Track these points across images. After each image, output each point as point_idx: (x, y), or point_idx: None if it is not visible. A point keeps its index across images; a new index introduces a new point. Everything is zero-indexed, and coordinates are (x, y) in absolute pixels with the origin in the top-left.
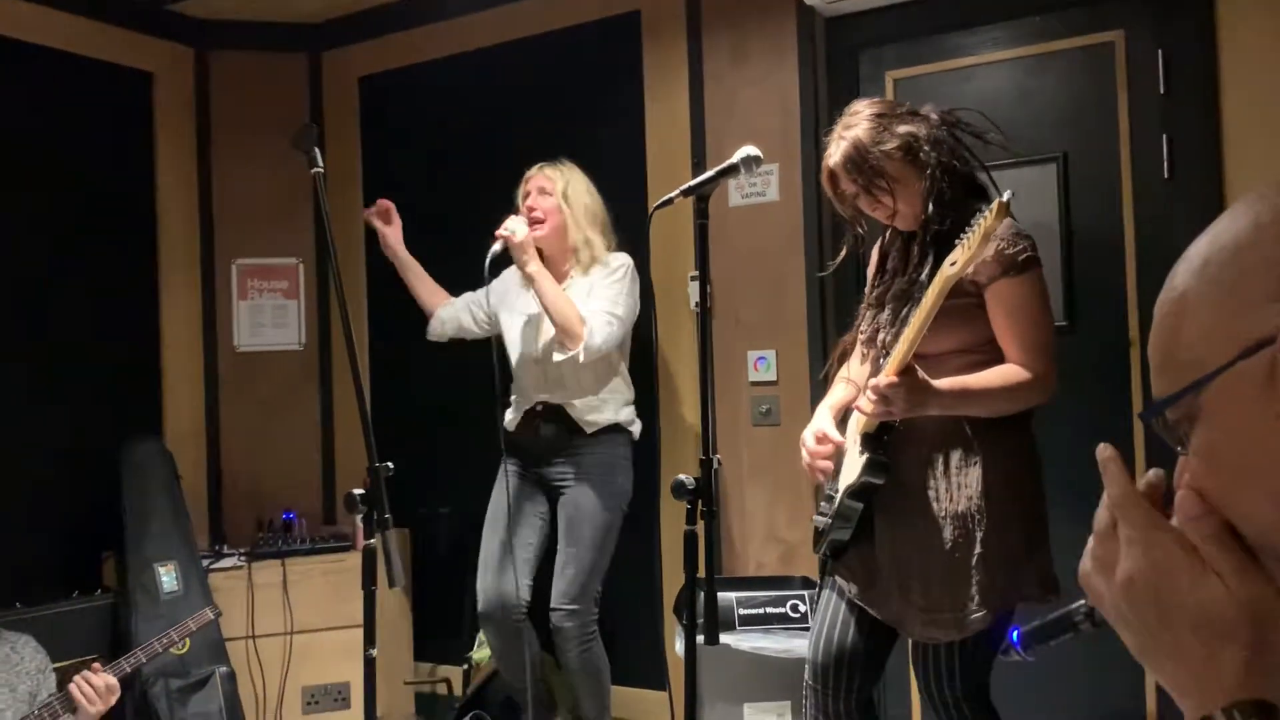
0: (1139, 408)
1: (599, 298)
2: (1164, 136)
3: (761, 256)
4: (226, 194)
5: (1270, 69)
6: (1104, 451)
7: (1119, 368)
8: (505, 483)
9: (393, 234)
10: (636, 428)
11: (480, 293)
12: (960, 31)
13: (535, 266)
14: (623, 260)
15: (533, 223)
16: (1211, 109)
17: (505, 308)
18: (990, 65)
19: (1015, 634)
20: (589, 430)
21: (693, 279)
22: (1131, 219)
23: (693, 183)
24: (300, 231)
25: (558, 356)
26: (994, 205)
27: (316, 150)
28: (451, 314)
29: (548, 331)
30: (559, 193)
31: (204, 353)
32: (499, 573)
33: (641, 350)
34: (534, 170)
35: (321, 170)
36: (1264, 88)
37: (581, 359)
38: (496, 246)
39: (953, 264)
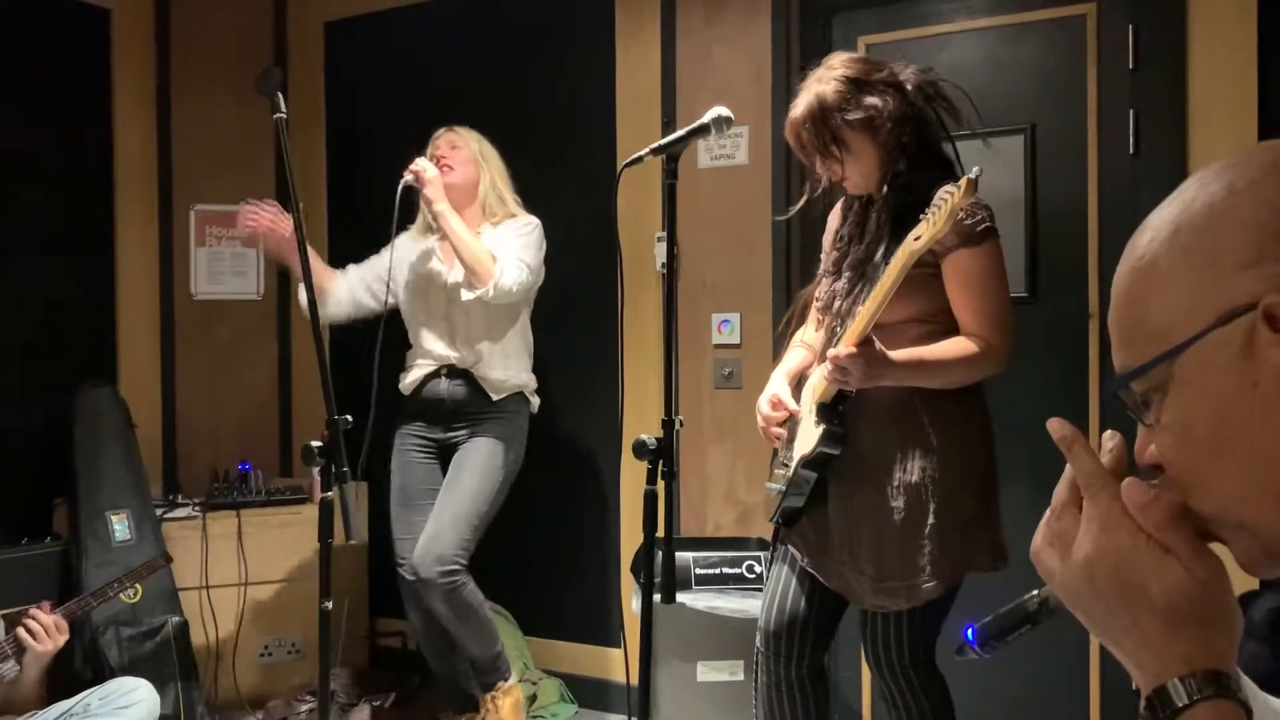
0: (1096, 380)
1: (511, 246)
2: (1131, 111)
3: (729, 220)
4: (186, 138)
5: (1238, 48)
6: (1062, 429)
7: (1078, 340)
8: (407, 456)
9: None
10: (536, 402)
11: (371, 264)
12: None
13: (444, 205)
14: (532, 220)
15: (442, 169)
16: (1179, 86)
17: (403, 270)
18: (963, 34)
19: (970, 632)
20: (495, 395)
21: (659, 240)
22: (1096, 193)
23: (663, 141)
24: (261, 178)
25: (466, 295)
26: (962, 183)
27: (280, 95)
28: (346, 291)
29: (453, 277)
30: (475, 152)
31: (160, 300)
32: (413, 547)
33: (606, 309)
34: (441, 131)
35: (284, 116)
36: (1231, 66)
37: (490, 295)
38: (408, 177)
39: (917, 238)
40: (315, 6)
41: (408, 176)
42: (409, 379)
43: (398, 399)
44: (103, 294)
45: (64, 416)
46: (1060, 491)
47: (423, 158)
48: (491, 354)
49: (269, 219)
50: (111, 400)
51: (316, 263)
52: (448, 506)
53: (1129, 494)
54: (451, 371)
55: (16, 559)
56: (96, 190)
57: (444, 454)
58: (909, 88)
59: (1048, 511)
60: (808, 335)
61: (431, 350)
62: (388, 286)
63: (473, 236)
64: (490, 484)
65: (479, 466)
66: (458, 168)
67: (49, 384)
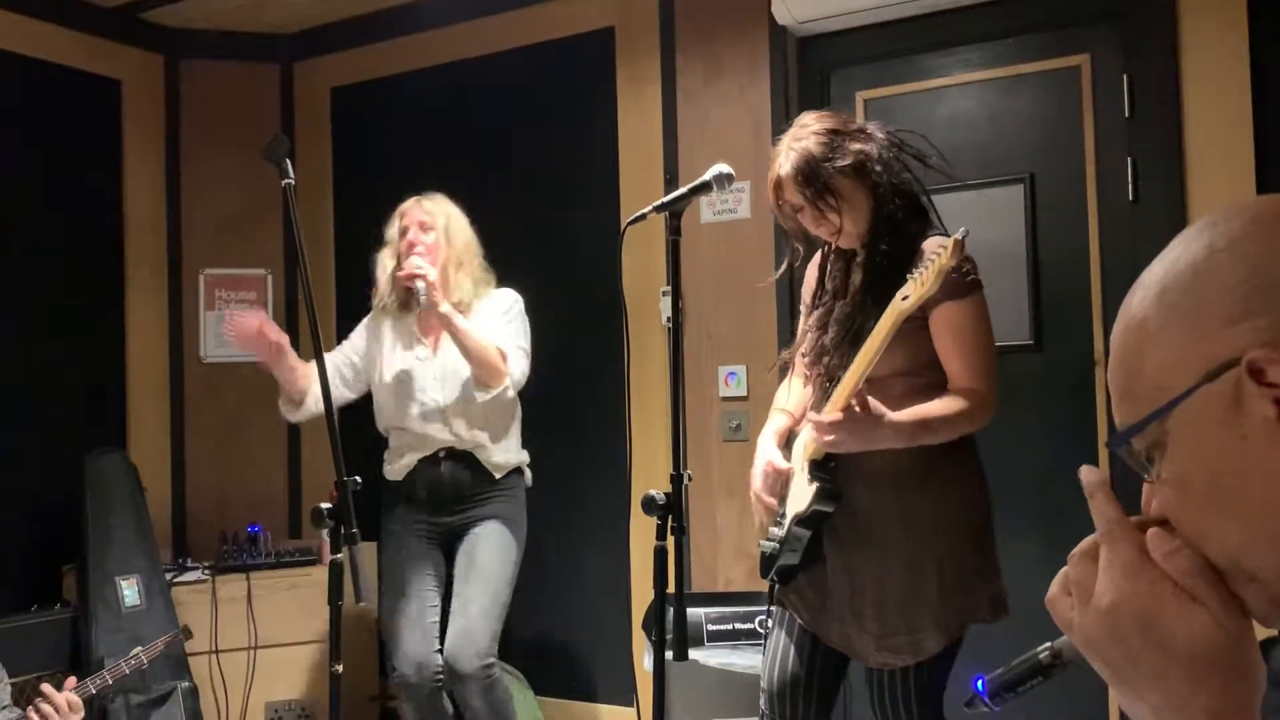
0: (1103, 427)
1: (506, 334)
2: (1128, 159)
3: (733, 273)
4: (195, 204)
5: (1231, 93)
6: (1088, 476)
7: (1084, 387)
8: (405, 544)
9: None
10: (529, 476)
11: (344, 349)
12: (931, 53)
13: (448, 306)
14: (513, 297)
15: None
16: (1175, 132)
17: (381, 355)
18: (960, 87)
19: (980, 683)
20: (498, 474)
21: (664, 294)
22: (1096, 240)
23: (666, 199)
24: (269, 243)
25: (481, 396)
26: (949, 244)
27: (288, 161)
28: (313, 398)
29: (455, 374)
30: (440, 229)
31: (170, 364)
32: (415, 639)
33: (611, 365)
34: (409, 204)
35: (292, 181)
36: (1226, 112)
37: (511, 394)
38: (419, 285)
39: (905, 298)
40: (322, 73)
41: (418, 284)
42: (399, 464)
43: (384, 486)
44: (112, 358)
45: (73, 482)
46: (1084, 542)
47: (415, 257)
48: (496, 437)
49: (254, 324)
50: (121, 465)
51: (298, 367)
52: (473, 599)
53: (1154, 542)
54: (451, 453)
55: (26, 626)
56: (106, 255)
57: (446, 539)
58: (879, 135)
59: (1069, 560)
60: (790, 401)
61: (427, 435)
62: (366, 385)
63: (482, 335)
64: (509, 569)
65: (496, 553)
66: (430, 254)
67: (58, 449)
